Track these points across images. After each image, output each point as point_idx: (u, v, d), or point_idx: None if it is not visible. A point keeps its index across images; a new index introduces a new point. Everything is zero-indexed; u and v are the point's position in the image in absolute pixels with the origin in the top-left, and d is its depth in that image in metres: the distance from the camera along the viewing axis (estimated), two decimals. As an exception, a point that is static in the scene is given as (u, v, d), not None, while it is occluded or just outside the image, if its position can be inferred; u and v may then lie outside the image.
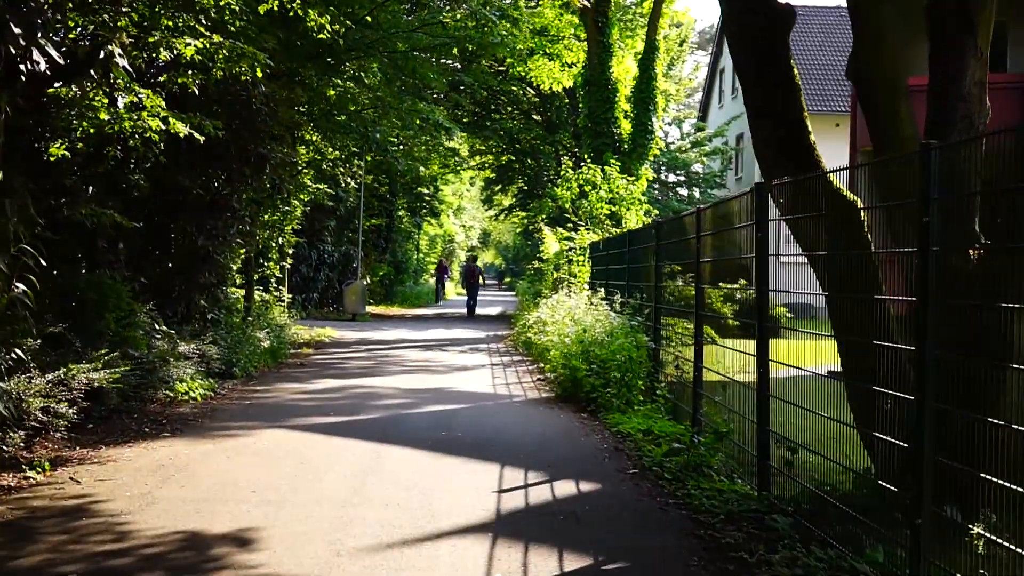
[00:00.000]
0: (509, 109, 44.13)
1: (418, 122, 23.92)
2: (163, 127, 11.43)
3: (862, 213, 7.54)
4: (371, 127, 24.80)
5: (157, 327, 13.66)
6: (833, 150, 36.23)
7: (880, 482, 6.27)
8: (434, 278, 58.26)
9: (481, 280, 43.85)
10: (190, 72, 11.88)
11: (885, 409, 6.32)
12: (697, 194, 46.29)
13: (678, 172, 46.50)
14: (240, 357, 16.31)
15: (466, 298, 42.42)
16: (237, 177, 15.61)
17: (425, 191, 55.80)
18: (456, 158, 30.46)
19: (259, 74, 12.09)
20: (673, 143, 46.99)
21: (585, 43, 32.76)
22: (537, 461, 9.86)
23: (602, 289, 18.74)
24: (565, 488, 8.81)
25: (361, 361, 19.88)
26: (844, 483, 7.37)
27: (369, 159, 27.90)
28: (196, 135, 11.84)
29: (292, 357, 20.00)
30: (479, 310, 42.22)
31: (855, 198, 8.07)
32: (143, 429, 11.08)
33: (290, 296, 27.75)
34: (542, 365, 18.21)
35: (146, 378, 12.48)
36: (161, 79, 12.31)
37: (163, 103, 11.61)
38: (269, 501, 7.96)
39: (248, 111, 15.04)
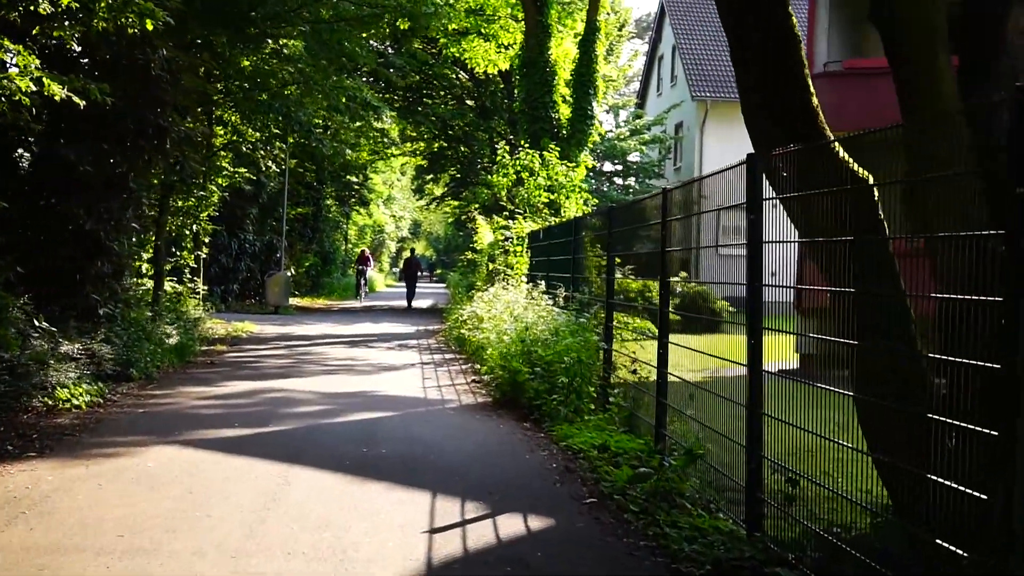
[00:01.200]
0: (442, 94, 42.41)
1: (344, 101, 22.16)
2: (35, 89, 9.64)
3: (883, 192, 6.06)
4: (294, 107, 23.02)
5: (36, 323, 11.82)
6: None
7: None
8: (358, 269, 46.19)
9: (421, 273, 46.01)
10: (67, 23, 10.07)
11: (946, 446, 4.80)
12: (635, 184, 44.94)
13: (615, 161, 45.09)
14: (139, 356, 14.51)
15: (404, 290, 42.56)
16: (134, 153, 13.74)
17: (354, 179, 53.94)
18: (386, 140, 28.61)
19: (149, 26, 10.27)
20: (611, 131, 45.54)
21: (523, 23, 31.22)
22: (476, 486, 8.27)
23: (543, 282, 17.21)
24: (511, 525, 7.22)
25: (279, 359, 18.15)
26: (860, 521, 5.92)
27: (292, 141, 26.04)
28: (76, 99, 10.04)
29: (203, 355, 18.19)
30: (414, 303, 40.87)
31: (869, 176, 6.62)
32: (5, 447, 9.27)
33: (206, 288, 25.86)
34: (478, 366, 16.63)
35: (17, 384, 10.67)
36: (34, 32, 10.47)
37: (37, 61, 9.83)
38: (138, 550, 6.26)
39: (146, 77, 13.20)
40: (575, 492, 8.19)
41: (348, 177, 52.19)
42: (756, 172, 6.68)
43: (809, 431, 6.04)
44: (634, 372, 10.63)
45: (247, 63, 18.56)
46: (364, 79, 30.05)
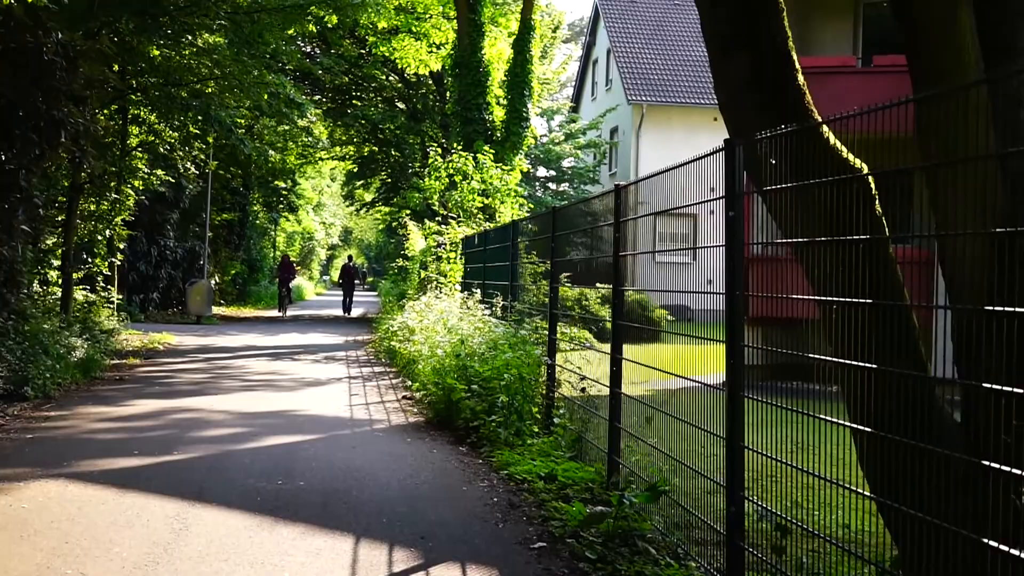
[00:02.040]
0: (372, 96, 41.21)
1: (266, 97, 20.89)
2: None
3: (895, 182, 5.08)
4: (214, 105, 21.70)
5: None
6: (709, 145, 34.36)
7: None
8: (280, 278, 40.13)
9: (359, 280, 43.75)
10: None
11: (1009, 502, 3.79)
12: (569, 189, 44.03)
13: (550, 166, 44.15)
14: (36, 373, 13.18)
15: (335, 298, 42.98)
16: (23, 148, 12.39)
17: (282, 185, 52.57)
18: (310, 138, 27.31)
19: (40, 1, 9.02)
20: (544, 136, 44.60)
21: (455, 22, 30.17)
22: (406, 529, 7.14)
23: (479, 290, 16.13)
24: (448, 579, 6.13)
25: (195, 374, 16.85)
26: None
27: (211, 140, 24.68)
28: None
29: (112, 370, 16.84)
30: (356, 311, 40.75)
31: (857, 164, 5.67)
32: None
33: (121, 297, 24.42)
34: (409, 381, 15.50)
35: None
36: None
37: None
38: (-15, 627, 5.08)
39: (38, 63, 11.87)
40: (521, 534, 7.08)
41: (276, 183, 50.83)
42: (736, 161, 5.65)
43: (801, 469, 5.02)
44: (582, 391, 9.57)
45: (157, 53, 17.24)
46: (290, 79, 28.76)
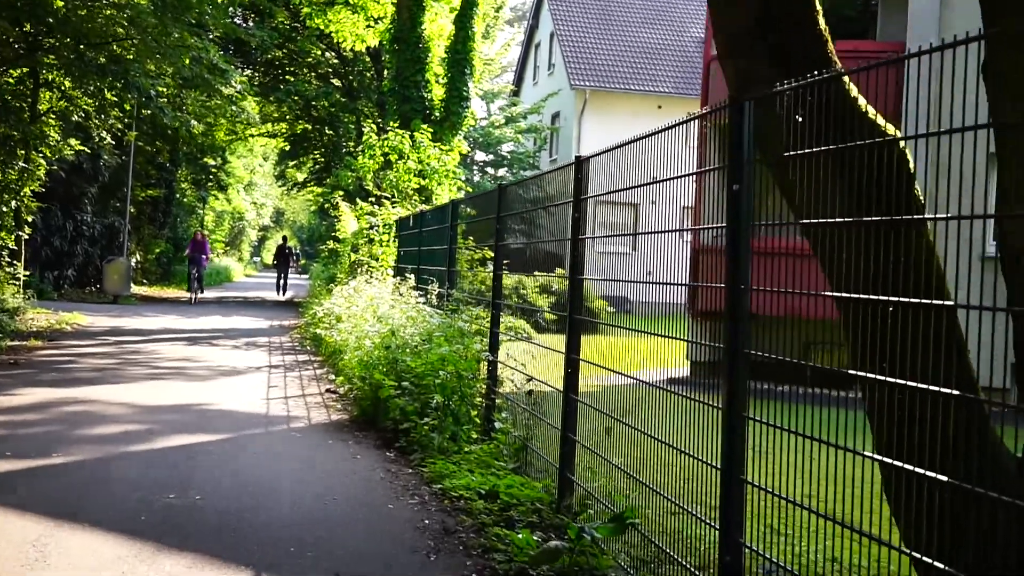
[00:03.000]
0: (306, 71, 39.63)
1: (188, 62, 19.39)
2: None
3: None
4: (133, 71, 20.16)
5: None
6: None
7: None
8: (190, 258, 33.75)
9: (293, 262, 44.31)
10: None
11: None
12: (508, 175, 42.82)
13: (489, 150, 42.88)
14: (-88, 356, 11.74)
15: (263, 280, 40.01)
16: None
17: (212, 162, 50.77)
18: (236, 109, 25.65)
19: None
20: (484, 119, 43.33)
21: (394, -6, 28.77)
22: (321, 560, 5.88)
23: (413, 276, 14.88)
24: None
25: (99, 359, 15.41)
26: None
27: (129, 108, 23.05)
28: None
29: (7, 352, 15.34)
30: (288, 293, 39.80)
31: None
32: None
33: (28, 273, 22.76)
34: (333, 374, 14.23)
35: None
36: None
37: None
38: None
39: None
40: (457, 569, 5.85)
41: (205, 159, 49.05)
42: (745, 121, 4.48)
43: (822, 515, 3.86)
44: (529, 394, 8.36)
45: (61, 4, 15.71)
46: (220, 51, 27.13)
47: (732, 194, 4.45)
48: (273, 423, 10.63)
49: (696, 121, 5.08)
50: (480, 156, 43.52)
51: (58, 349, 16.49)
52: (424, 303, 12.97)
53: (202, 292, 33.88)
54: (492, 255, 10.66)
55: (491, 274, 10.08)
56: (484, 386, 9.67)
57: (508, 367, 9.39)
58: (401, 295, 14.05)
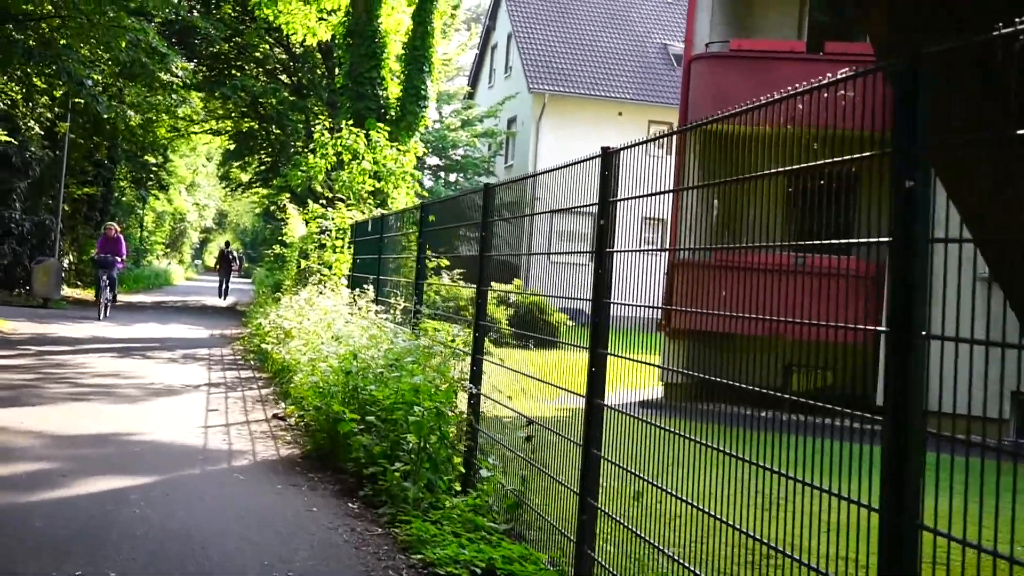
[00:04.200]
0: (253, 67, 37.88)
1: (124, 45, 17.70)
2: None
3: None
4: (65, 54, 18.44)
5: None
6: (613, 139, 31.72)
7: None
8: (99, 259, 25.73)
9: (236, 266, 42.84)
10: None
11: None
12: (463, 179, 41.32)
13: (442, 154, 41.32)
14: None
15: (205, 285, 38.46)
16: None
17: (152, 160, 48.80)
18: (176, 98, 23.76)
19: None
20: (438, 122, 41.78)
21: (349, -15, 27.21)
22: None
23: (371, 287, 13.37)
24: None
25: (15, 373, 13.68)
26: None
27: (59, 95, 21.23)
28: None
29: (-90, 365, 13.64)
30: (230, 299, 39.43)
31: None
32: None
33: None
34: (281, 394, 12.67)
35: None
36: None
37: None
38: None
39: None
40: None
41: (146, 157, 47.13)
42: (920, 88, 3.02)
43: None
44: (528, 440, 6.86)
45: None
46: (164, 42, 25.41)
47: (907, 192, 3.00)
48: (212, 460, 9.04)
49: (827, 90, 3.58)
50: (433, 160, 41.93)
51: (-29, 361, 14.76)
52: (387, 319, 11.46)
53: (114, 302, 25.72)
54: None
55: (470, 289, 8.57)
56: (466, 423, 8.15)
57: (497, 403, 7.89)
58: (358, 309, 12.53)
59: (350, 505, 7.68)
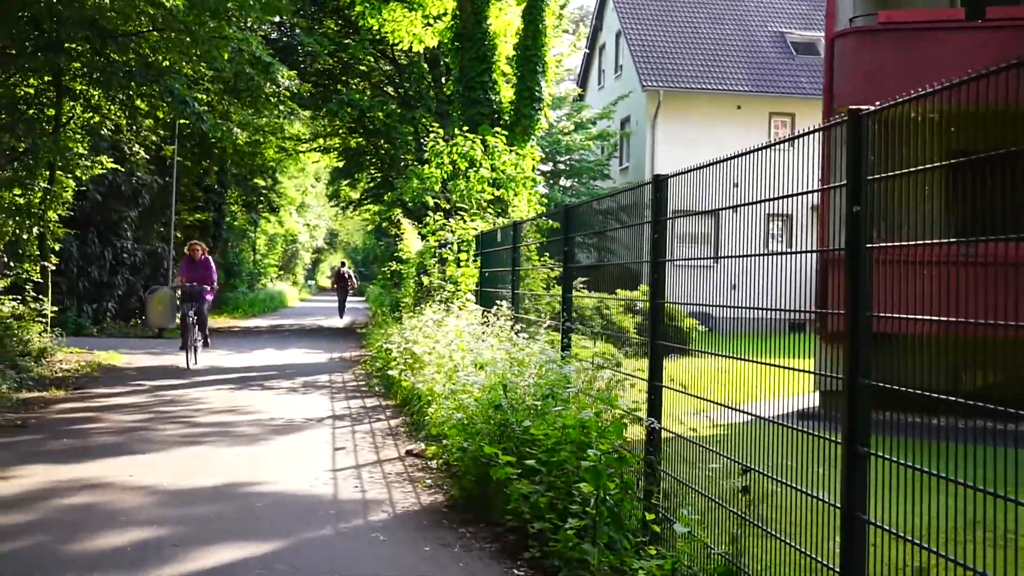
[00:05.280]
0: (357, 81, 36.98)
1: (227, 56, 16.68)
2: None
3: None
4: (167, 73, 17.52)
5: None
6: (732, 135, 29.75)
7: None
8: (184, 291, 19.07)
9: (352, 286, 42.28)
10: None
11: None
12: (577, 185, 39.86)
13: (559, 159, 39.92)
14: None
15: (319, 305, 38.64)
16: None
17: (262, 183, 48.46)
18: (283, 109, 22.61)
19: None
20: (550, 126, 40.39)
21: (455, -11, 26.00)
22: None
23: (504, 303, 12.03)
24: None
25: (127, 413, 12.68)
26: None
27: (162, 115, 20.35)
28: None
29: (18, 408, 12.70)
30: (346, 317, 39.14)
31: None
32: None
33: (56, 309, 20.15)
34: (412, 422, 11.41)
35: None
36: None
37: None
38: None
39: None
40: None
41: (255, 180, 46.81)
42: None
43: None
44: (744, 492, 5.39)
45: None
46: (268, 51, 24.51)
47: None
48: (344, 514, 7.74)
49: None
50: (546, 166, 40.56)
51: (81, 400, 13.81)
52: (526, 339, 10.08)
53: (206, 344, 19.54)
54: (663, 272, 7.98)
55: (654, 305, 7.10)
56: (641, 466, 6.70)
57: (690, 441, 6.44)
58: (495, 329, 11.20)
59: (515, 572, 6.31)
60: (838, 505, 4.29)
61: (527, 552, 6.50)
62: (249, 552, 6.60)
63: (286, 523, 7.39)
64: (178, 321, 22.57)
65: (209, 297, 19.38)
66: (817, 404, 16.04)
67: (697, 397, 6.27)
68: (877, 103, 4.18)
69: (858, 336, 4.16)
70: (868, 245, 4.15)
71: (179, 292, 20.30)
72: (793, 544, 4.79)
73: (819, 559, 4.47)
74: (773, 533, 5.04)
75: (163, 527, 7.17)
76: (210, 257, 19.75)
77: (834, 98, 17.09)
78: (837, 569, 4.26)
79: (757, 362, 5.57)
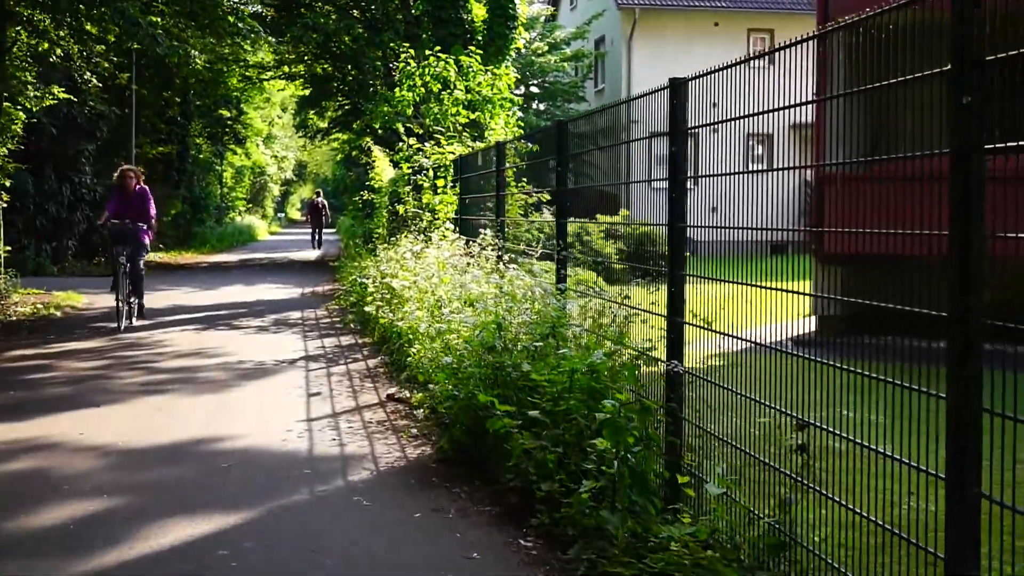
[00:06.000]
0: (321, 4, 35.50)
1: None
2: None
3: None
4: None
5: None
6: (710, 54, 28.45)
7: None
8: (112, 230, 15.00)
9: (326, 215, 42.61)
10: None
11: None
12: (552, 108, 38.63)
13: (532, 82, 38.64)
14: None
15: (289, 238, 41.11)
16: None
17: (227, 114, 47.02)
18: (242, 27, 21.21)
19: None
20: (525, 46, 39.05)
21: (423, -103, 24.68)
22: None
23: (488, 231, 11.10)
24: None
25: (84, 360, 11.71)
26: None
27: (112, 39, 19.05)
28: None
29: (-37, 358, 11.73)
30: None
31: None
32: None
33: (8, 248, 18.99)
34: (390, 360, 10.53)
35: None
36: None
37: None
38: None
39: None
40: None
41: (220, 111, 45.41)
42: None
43: None
44: (800, 451, 4.50)
45: None
46: None
47: None
48: (322, 475, 6.82)
49: None
50: (518, 90, 39.27)
51: (33, 347, 12.82)
52: (516, 271, 9.13)
53: (140, 315, 15.30)
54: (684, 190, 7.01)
55: (661, 227, 6.17)
56: (662, 418, 5.81)
57: (702, 379, 5.56)
58: (480, 260, 10.27)
59: (522, 543, 5.44)
60: (940, 475, 3.42)
61: (534, 518, 5.63)
62: (213, 526, 5.70)
63: (256, 487, 6.49)
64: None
65: (146, 239, 14.99)
66: (814, 329, 15.31)
67: (727, 335, 5.37)
68: None
69: (972, 263, 3.25)
70: (986, 147, 3.23)
71: (105, 232, 16.06)
72: (875, 520, 3.93)
73: (917, 542, 3.61)
74: (844, 503, 4.17)
75: (113, 497, 6.26)
76: (147, 188, 15.21)
77: (829, 8, 16.05)
78: (940, 555, 3.40)
79: (790, 291, 4.71)
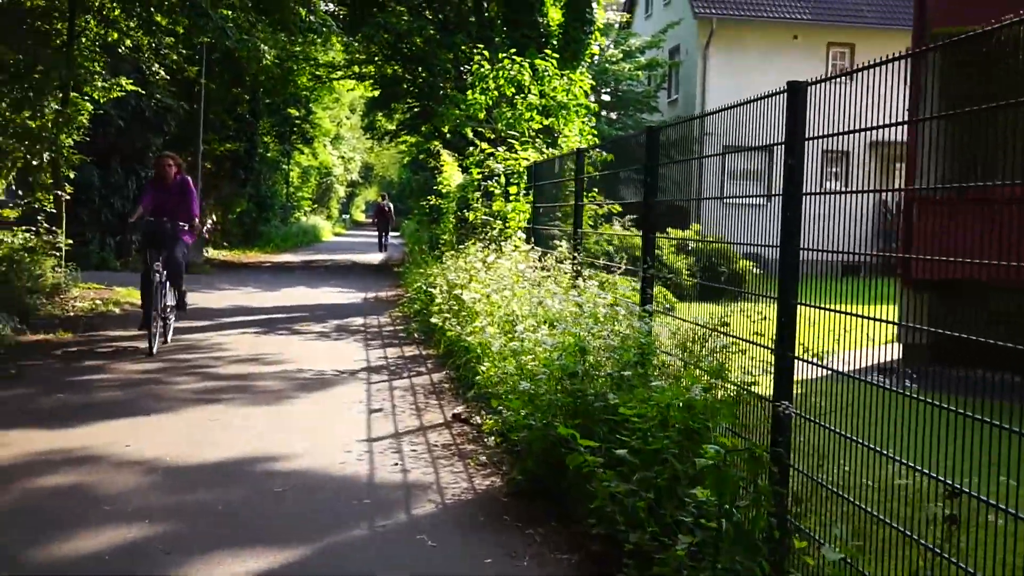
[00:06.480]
0: (393, 5, 35.13)
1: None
2: None
3: None
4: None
5: None
6: (788, 70, 27.38)
7: None
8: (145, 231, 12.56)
9: (391, 218, 42.95)
10: None
11: None
12: (624, 118, 37.90)
13: (606, 90, 37.93)
14: None
15: (353, 240, 40.97)
16: None
17: (295, 113, 46.87)
18: (314, 20, 20.82)
19: None
20: (599, 52, 38.38)
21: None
22: None
23: (562, 243, 10.49)
24: None
25: (137, 362, 11.24)
26: None
27: (181, 31, 18.67)
28: None
29: (16, 355, 11.30)
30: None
31: None
32: None
33: (70, 242, 18.63)
34: (458, 380, 9.92)
35: None
36: None
37: None
38: None
39: None
40: None
41: (289, 110, 45.26)
42: None
43: None
44: (951, 523, 3.82)
45: None
46: None
47: None
48: (382, 506, 6.22)
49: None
50: (590, 97, 38.58)
51: (88, 345, 12.42)
52: (596, 288, 8.49)
53: (180, 308, 13.08)
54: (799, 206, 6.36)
55: (772, 248, 5.51)
56: (768, 469, 5.13)
57: (814, 423, 4.89)
58: (552, 274, 9.66)
59: (608, 602, 4.81)
60: None
61: (621, 572, 4.98)
62: (261, 564, 5.12)
63: (310, 518, 5.91)
64: (206, 254, 20.87)
65: (188, 239, 12.68)
66: (899, 357, 14.52)
67: (861, 380, 4.70)
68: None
69: None
70: None
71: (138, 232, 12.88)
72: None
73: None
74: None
75: (156, 522, 5.71)
76: (188, 178, 12.73)
77: (924, 15, 15.22)
78: None
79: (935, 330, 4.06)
